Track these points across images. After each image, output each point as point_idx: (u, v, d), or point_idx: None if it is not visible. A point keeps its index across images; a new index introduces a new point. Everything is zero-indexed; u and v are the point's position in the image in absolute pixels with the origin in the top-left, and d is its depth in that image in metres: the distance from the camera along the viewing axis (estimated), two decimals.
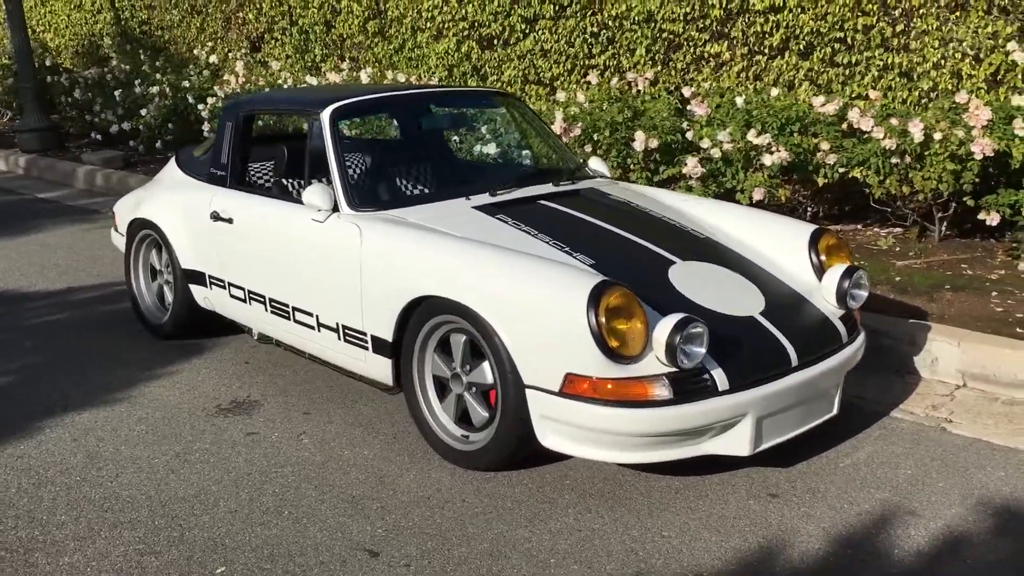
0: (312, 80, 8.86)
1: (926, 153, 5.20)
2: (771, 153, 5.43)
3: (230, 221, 4.36)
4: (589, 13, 7.41)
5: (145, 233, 4.98)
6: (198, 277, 4.66)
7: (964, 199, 5.31)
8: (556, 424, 3.13)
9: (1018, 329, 4.34)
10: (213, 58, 10.58)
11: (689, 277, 3.50)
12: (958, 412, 3.88)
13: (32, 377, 4.50)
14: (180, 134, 10.06)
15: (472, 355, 3.40)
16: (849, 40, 6.16)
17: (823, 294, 3.63)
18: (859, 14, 6.06)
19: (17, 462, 3.61)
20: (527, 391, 3.16)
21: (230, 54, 10.85)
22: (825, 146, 5.49)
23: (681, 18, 6.86)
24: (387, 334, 3.62)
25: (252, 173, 4.68)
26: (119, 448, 3.70)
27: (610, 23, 7.30)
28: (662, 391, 3.02)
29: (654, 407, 3.01)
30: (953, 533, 2.96)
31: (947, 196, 5.31)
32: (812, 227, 3.89)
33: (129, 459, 3.61)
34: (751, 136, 5.51)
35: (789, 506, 3.15)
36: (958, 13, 5.71)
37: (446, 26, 8.57)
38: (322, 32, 9.86)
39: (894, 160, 5.27)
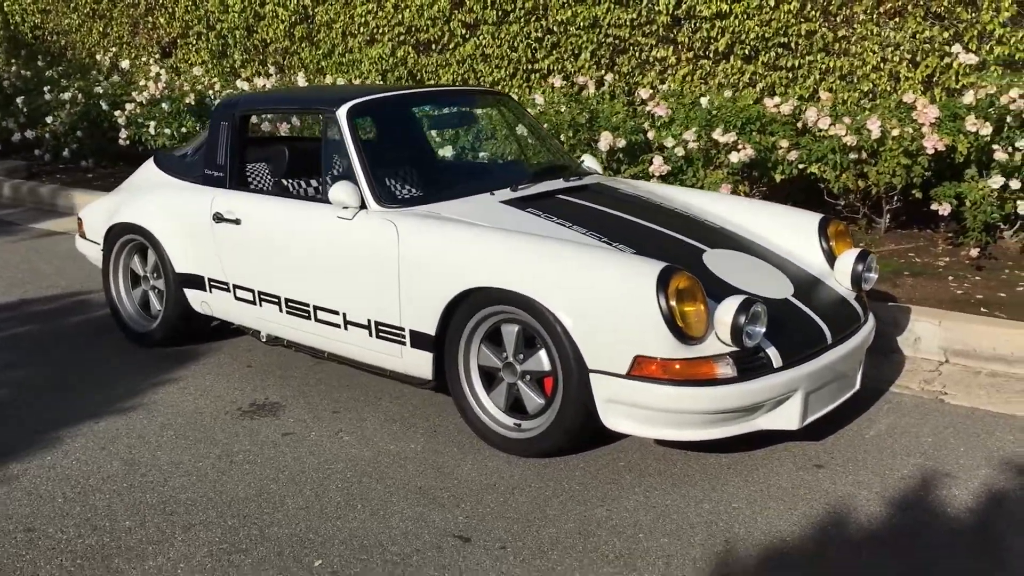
0: (244, 85, 8.70)
1: (881, 149, 5.56)
2: (737, 151, 5.69)
3: (237, 222, 4.30)
4: (533, 19, 7.56)
5: (128, 239, 4.84)
6: (195, 281, 4.56)
7: (913, 191, 5.69)
8: (622, 406, 3.24)
9: (982, 309, 4.71)
10: (125, 63, 10.24)
11: (721, 264, 3.67)
12: (950, 385, 4.19)
13: (27, 390, 4.31)
14: (90, 141, 9.71)
15: (525, 344, 3.47)
16: (792, 45, 6.51)
17: (837, 277, 3.87)
18: (802, 20, 6.42)
19: (50, 472, 3.47)
20: (591, 375, 3.26)
21: (139, 60, 10.51)
22: (784, 144, 5.79)
23: (628, 24, 7.08)
24: (429, 328, 3.65)
25: (249, 174, 4.61)
26: (155, 454, 3.61)
27: (555, 28, 7.46)
28: (726, 370, 3.18)
29: (719, 385, 3.16)
30: (992, 491, 3.22)
31: (898, 189, 5.68)
32: (819, 216, 4.13)
33: (171, 464, 3.52)
34: (717, 135, 5.76)
35: (837, 475, 3.35)
36: (896, 19, 6.13)
37: (380, 31, 8.56)
38: (242, 37, 9.69)
39: (852, 156, 5.61)
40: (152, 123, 8.32)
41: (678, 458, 3.49)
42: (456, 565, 2.81)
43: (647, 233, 3.84)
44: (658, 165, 5.90)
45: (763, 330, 3.22)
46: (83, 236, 5.26)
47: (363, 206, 3.88)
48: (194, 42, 10.16)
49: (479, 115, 4.91)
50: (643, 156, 6.13)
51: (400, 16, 8.35)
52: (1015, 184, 5.30)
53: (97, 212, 5.10)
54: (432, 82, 8.36)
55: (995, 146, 5.22)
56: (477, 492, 3.26)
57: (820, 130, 5.73)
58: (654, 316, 3.11)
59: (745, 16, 6.57)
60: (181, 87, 8.87)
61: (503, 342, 3.54)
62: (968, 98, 5.47)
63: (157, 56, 10.45)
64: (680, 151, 5.86)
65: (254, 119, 6.90)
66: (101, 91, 9.51)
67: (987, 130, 5.20)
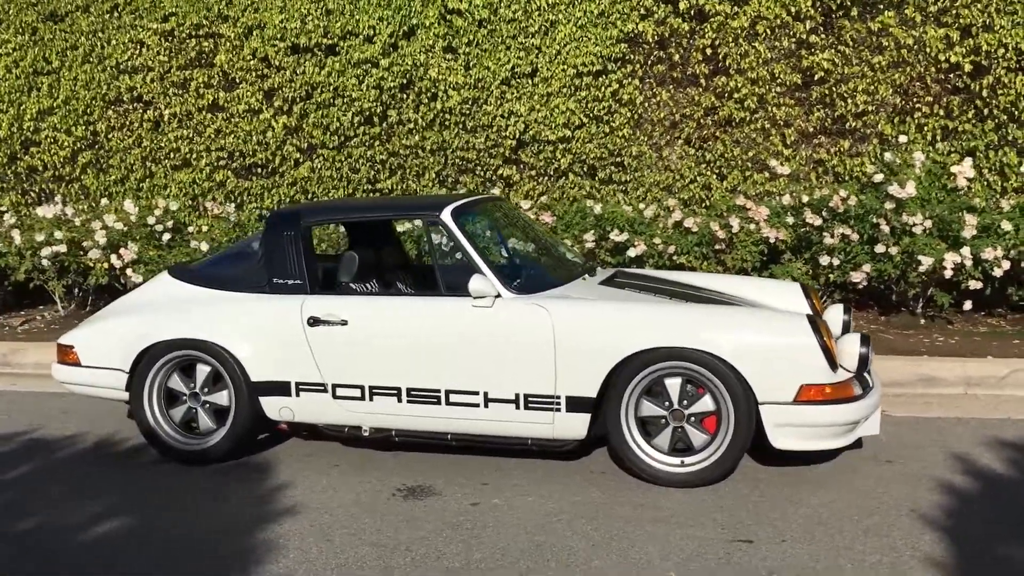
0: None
1: (735, 240, 7.04)
2: (635, 246, 6.85)
3: (344, 323, 4.51)
4: (377, 143, 8.19)
5: (175, 356, 4.72)
6: (276, 388, 4.62)
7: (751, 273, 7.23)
8: (790, 428, 4.13)
9: None
10: None
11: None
12: None
13: (164, 511, 4.08)
14: None
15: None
16: (624, 163, 7.89)
17: (843, 359, 4.43)
18: (632, 143, 7.83)
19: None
20: (762, 407, 4.11)
21: None
22: (657, 240, 7.05)
23: (475, 147, 8.02)
24: (590, 392, 4.25)
25: (326, 280, 4.82)
26: (374, 536, 3.76)
27: (401, 151, 8.16)
28: (857, 389, 4.22)
29: (854, 401, 4.18)
30: (981, 469, 4.57)
31: (748, 271, 7.19)
32: (797, 283, 5.37)
33: (398, 544, 3.71)
34: (613, 235, 6.89)
35: (909, 465, 4.48)
36: (709, 142, 7.77)
37: (196, 156, 8.57)
38: (3, 163, 8.99)
39: (717, 247, 7.03)
40: None
41: (795, 471, 4.42)
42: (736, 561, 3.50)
43: (703, 298, 4.80)
44: None
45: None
46: (76, 364, 4.94)
47: (497, 295, 4.39)
48: None
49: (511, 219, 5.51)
50: None
51: (222, 142, 8.47)
52: (824, 260, 7.00)
53: (110, 335, 4.87)
54: (263, 206, 8.51)
55: (825, 233, 6.91)
56: (702, 516, 3.93)
57: (687, 228, 7.08)
58: (814, 351, 4.07)
59: (586, 139, 7.83)
60: None
61: (663, 394, 4.25)
62: (787, 199, 7.17)
63: None
64: (578, 249, 6.87)
65: None
66: None
67: (818, 221, 6.89)
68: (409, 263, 5.91)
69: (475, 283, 4.33)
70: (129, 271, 7.58)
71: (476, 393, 4.40)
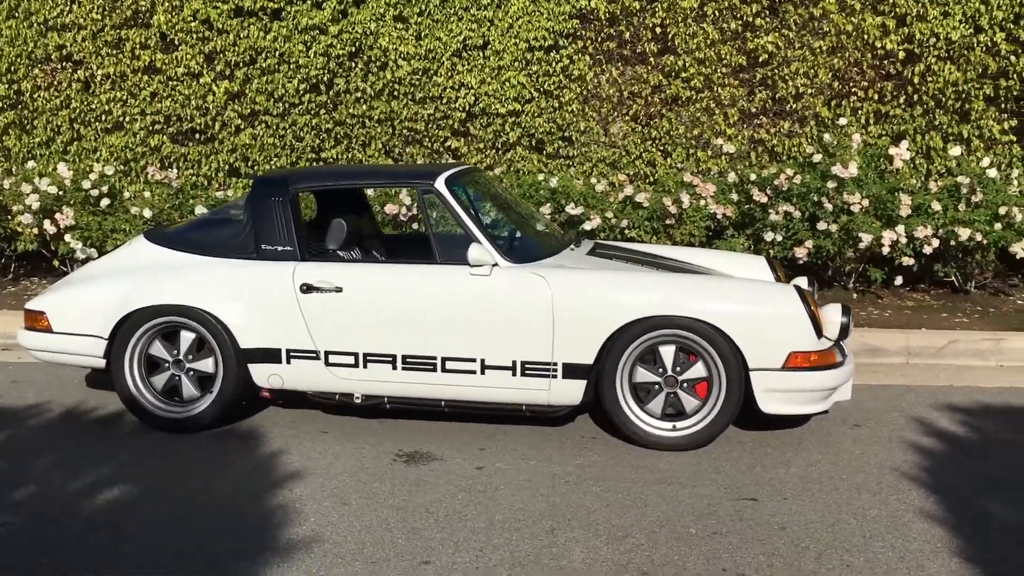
0: None
1: (685, 216, 7.25)
2: (590, 220, 6.99)
3: (338, 290, 4.49)
4: (324, 111, 8.08)
5: (156, 323, 4.61)
6: (266, 355, 4.57)
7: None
8: (777, 393, 4.33)
9: None
10: None
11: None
12: None
13: (168, 484, 4.01)
14: None
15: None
16: (572, 138, 8.01)
17: (826, 327, 4.58)
18: (581, 119, 7.96)
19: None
20: (752, 373, 4.30)
21: None
22: (610, 215, 7.21)
23: (424, 118, 8.00)
24: (587, 359, 4.36)
25: (317, 246, 4.77)
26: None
27: (347, 120, 8.07)
28: (839, 356, 4.46)
29: (837, 368, 4.41)
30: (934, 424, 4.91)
31: (695, 246, 7.42)
32: (761, 256, 5.60)
33: (416, 507, 3.77)
34: (569, 209, 7.01)
35: (877, 429, 4.76)
36: (656, 119, 7.96)
37: (130, 119, 8.29)
38: None
39: (668, 222, 7.23)
40: None
41: (800, 432, 4.64)
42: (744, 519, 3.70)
43: (680, 267, 4.97)
44: None
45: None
46: (48, 331, 4.78)
47: (494, 264, 4.45)
48: None
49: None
50: None
51: (159, 105, 8.21)
52: (768, 236, 7.29)
53: (86, 301, 4.72)
54: (200, 172, 8.31)
55: (770, 210, 7.18)
56: (698, 473, 4.10)
57: (638, 203, 7.26)
58: (803, 319, 4.29)
59: (535, 113, 7.91)
60: None
61: (656, 361, 4.40)
62: (732, 177, 7.43)
63: None
64: None
65: None
66: None
67: (764, 199, 7.16)
68: (380, 232, 5.90)
69: (474, 252, 4.38)
70: (68, 237, 7.28)
71: (473, 360, 4.46)
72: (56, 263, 7.94)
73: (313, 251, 4.79)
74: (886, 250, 6.95)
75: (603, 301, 4.36)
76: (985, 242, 6.98)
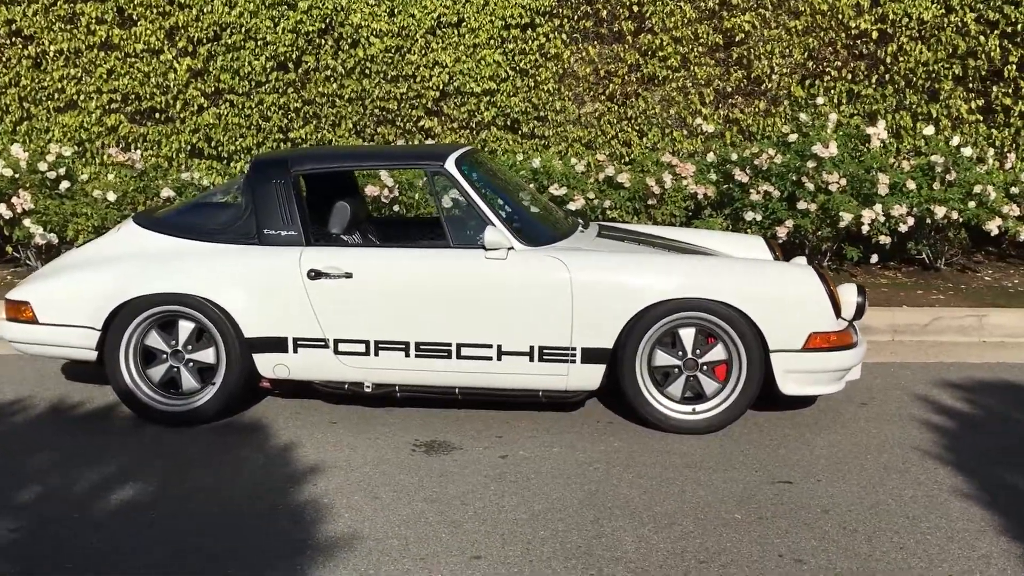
0: None
1: (666, 196, 7.22)
2: (574, 200, 6.90)
3: (348, 276, 4.33)
4: (291, 90, 7.82)
5: (153, 313, 4.39)
6: (272, 344, 4.39)
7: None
8: (797, 374, 4.31)
9: None
10: None
11: None
12: None
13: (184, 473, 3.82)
14: None
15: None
16: (548, 118, 7.90)
17: (843, 308, 4.51)
18: (556, 98, 7.85)
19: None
20: (772, 355, 4.28)
21: None
22: (592, 195, 7.13)
23: (397, 97, 7.81)
24: (606, 343, 4.29)
25: (321, 231, 4.59)
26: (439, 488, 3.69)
27: (317, 99, 7.83)
28: (855, 336, 4.46)
29: (853, 348, 4.41)
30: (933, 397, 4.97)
31: (675, 225, 7.39)
32: (759, 237, 5.58)
33: (451, 499, 3.67)
34: (553, 189, 6.91)
35: (884, 407, 4.79)
36: (632, 99, 7.89)
37: (84, 98, 7.92)
38: None
39: (650, 202, 7.18)
40: None
41: (814, 411, 4.64)
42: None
43: (690, 249, 4.93)
44: None
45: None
46: (32, 322, 4.52)
47: (510, 248, 4.33)
48: None
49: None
50: None
51: (116, 83, 7.85)
52: (748, 216, 7.31)
53: (75, 290, 4.48)
54: (161, 153, 7.99)
55: (751, 189, 7.19)
56: (726, 457, 4.07)
57: (620, 183, 7.19)
58: (822, 300, 4.27)
59: (511, 93, 7.78)
60: None
61: (676, 344, 4.34)
62: (711, 157, 7.42)
63: None
64: None
65: None
66: None
67: (745, 179, 7.16)
68: (371, 215, 5.73)
69: (490, 235, 4.25)
70: (27, 222, 6.93)
71: (489, 346, 4.35)
72: (9, 249, 7.57)
73: (316, 236, 4.61)
74: (865, 229, 7.01)
75: (624, 284, 4.28)
76: (960, 220, 7.09)
